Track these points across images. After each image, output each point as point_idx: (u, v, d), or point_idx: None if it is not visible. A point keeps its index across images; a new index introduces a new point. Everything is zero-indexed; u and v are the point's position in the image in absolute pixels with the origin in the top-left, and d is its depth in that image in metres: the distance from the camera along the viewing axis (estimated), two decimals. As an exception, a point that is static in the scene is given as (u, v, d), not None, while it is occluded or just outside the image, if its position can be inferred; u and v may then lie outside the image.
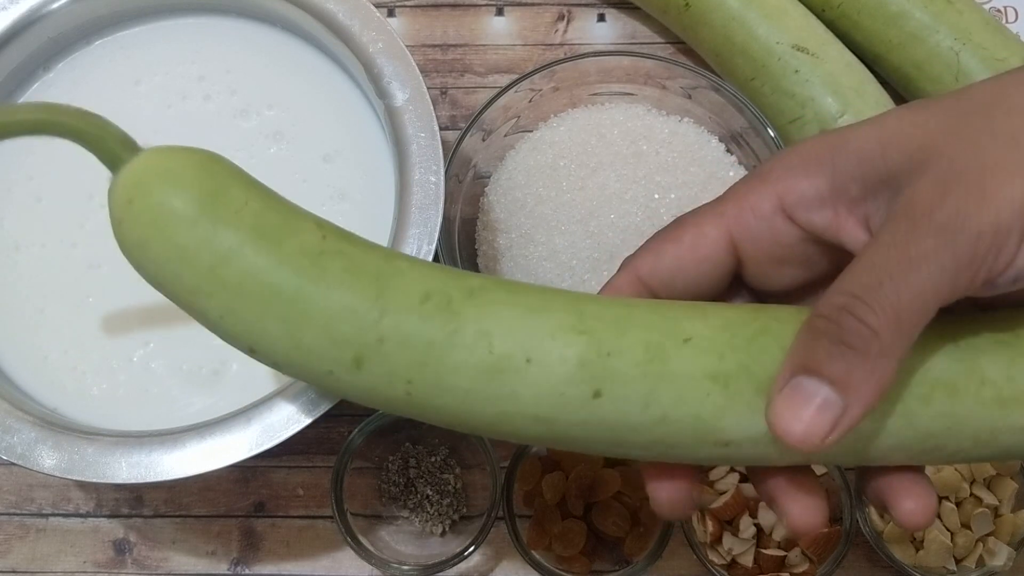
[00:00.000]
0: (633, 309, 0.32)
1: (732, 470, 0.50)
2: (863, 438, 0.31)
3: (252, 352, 0.33)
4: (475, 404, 0.31)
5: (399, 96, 0.45)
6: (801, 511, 0.32)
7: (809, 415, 0.28)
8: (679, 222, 0.34)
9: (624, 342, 0.30)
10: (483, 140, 0.53)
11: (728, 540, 0.49)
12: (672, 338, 0.31)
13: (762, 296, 0.35)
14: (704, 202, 0.35)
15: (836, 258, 0.32)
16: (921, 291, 0.27)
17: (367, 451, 0.51)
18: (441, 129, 0.45)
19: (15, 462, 0.41)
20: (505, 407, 0.31)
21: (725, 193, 0.33)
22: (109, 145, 0.33)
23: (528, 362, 0.30)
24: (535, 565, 0.48)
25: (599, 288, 0.47)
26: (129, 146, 0.33)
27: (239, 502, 0.53)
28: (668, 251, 0.33)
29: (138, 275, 0.46)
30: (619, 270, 0.34)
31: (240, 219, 0.32)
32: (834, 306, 0.28)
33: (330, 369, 0.32)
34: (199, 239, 0.32)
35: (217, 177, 0.33)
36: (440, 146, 0.45)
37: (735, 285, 0.34)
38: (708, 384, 0.30)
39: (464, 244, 0.53)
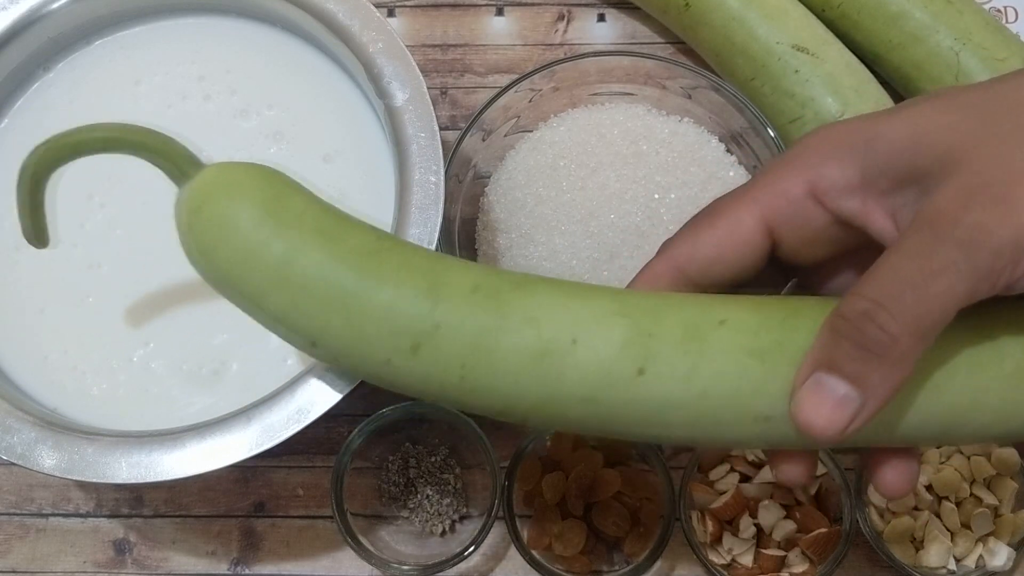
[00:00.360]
0: (668, 298, 0.33)
1: (732, 470, 0.50)
2: (891, 413, 0.32)
3: (313, 346, 0.35)
4: (525, 386, 0.33)
5: (399, 96, 0.45)
6: (789, 467, 0.34)
7: (829, 409, 0.30)
8: (713, 208, 0.35)
9: (664, 324, 0.32)
10: (483, 140, 0.53)
11: (728, 540, 0.49)
12: (708, 320, 0.32)
13: (793, 270, 0.36)
14: (704, 202, 0.35)
15: (865, 238, 0.33)
16: (941, 301, 0.29)
17: (367, 451, 0.51)
18: (441, 129, 0.45)
19: (15, 462, 0.42)
20: (553, 388, 0.32)
21: (756, 178, 0.34)
22: (176, 161, 0.36)
23: (574, 343, 0.32)
24: (535, 565, 0.48)
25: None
26: (194, 162, 0.36)
27: (239, 502, 0.53)
28: (705, 238, 0.34)
29: (138, 275, 0.47)
30: (656, 256, 0.35)
31: (301, 222, 0.34)
32: (857, 311, 0.29)
33: (389, 358, 0.34)
34: (263, 241, 0.34)
35: (276, 187, 0.35)
36: (440, 146, 0.45)
37: (767, 262, 0.35)
38: (745, 359, 0.31)
39: (464, 244, 0.53)
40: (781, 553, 0.48)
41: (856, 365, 0.29)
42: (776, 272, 0.36)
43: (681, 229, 0.35)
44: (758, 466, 0.50)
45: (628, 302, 0.33)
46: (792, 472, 0.34)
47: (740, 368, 0.31)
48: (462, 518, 0.52)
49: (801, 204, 0.32)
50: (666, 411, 0.32)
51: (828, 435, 0.30)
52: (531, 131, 0.55)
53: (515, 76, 0.53)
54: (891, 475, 0.34)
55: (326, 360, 0.36)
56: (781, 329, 0.32)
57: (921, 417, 0.32)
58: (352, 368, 0.36)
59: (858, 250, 0.33)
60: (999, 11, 0.59)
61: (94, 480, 0.41)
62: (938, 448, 0.50)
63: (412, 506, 0.51)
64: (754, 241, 0.33)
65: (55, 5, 0.48)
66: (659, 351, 0.32)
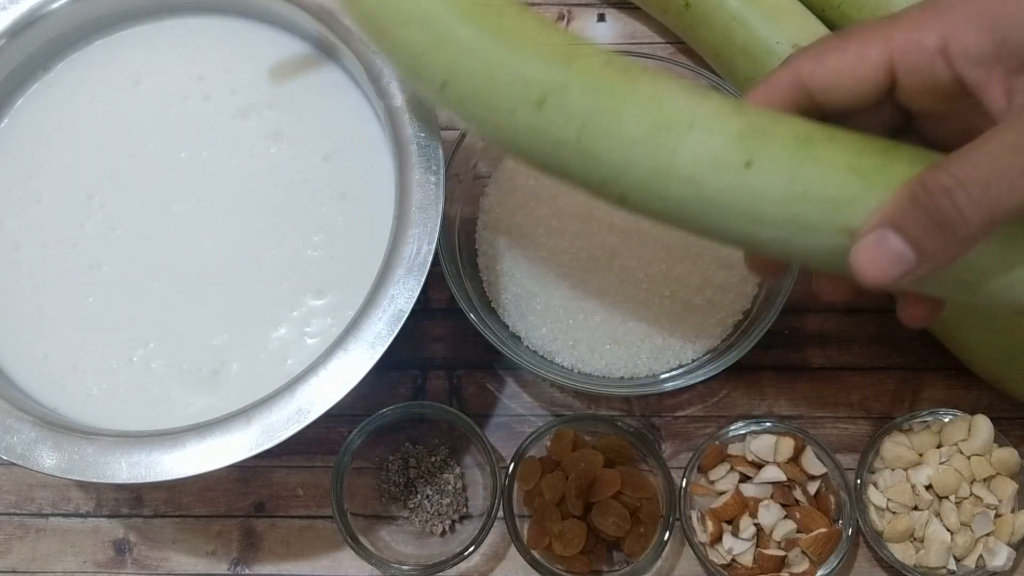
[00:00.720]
0: (784, 114, 0.35)
1: (732, 470, 0.50)
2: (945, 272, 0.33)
3: (442, 88, 0.37)
4: (637, 156, 0.34)
5: (399, 96, 0.45)
6: (832, 288, 0.38)
7: (884, 262, 0.32)
8: (847, 33, 0.35)
9: (778, 128, 0.34)
10: (483, 140, 0.53)
11: (728, 540, 0.49)
12: (819, 132, 0.34)
13: (904, 115, 0.37)
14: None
15: (979, 104, 0.33)
16: (1022, 198, 0.30)
17: (367, 451, 0.51)
18: (441, 129, 0.45)
19: (15, 462, 0.42)
20: (663, 163, 0.34)
21: (895, 16, 0.35)
22: None
23: (691, 126, 0.34)
24: (535, 565, 0.48)
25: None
26: None
27: (239, 502, 0.53)
28: (831, 60, 0.35)
29: (138, 275, 0.47)
30: (780, 66, 0.36)
31: None
32: (939, 184, 0.31)
33: (514, 107, 0.36)
34: None
35: None
36: (440, 146, 0.45)
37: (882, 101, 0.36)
38: (847, 174, 0.33)
39: (464, 244, 0.53)
40: (781, 553, 0.48)
41: (921, 232, 0.31)
42: (887, 113, 0.37)
43: (810, 46, 0.36)
44: (758, 466, 0.50)
45: (746, 107, 0.35)
46: (833, 293, 0.37)
47: (842, 179, 0.33)
48: (462, 518, 0.52)
49: (929, 57, 0.33)
50: (763, 206, 0.33)
51: (876, 283, 0.32)
52: (531, 131, 0.55)
53: (515, 76, 0.53)
54: (916, 309, 0.36)
55: (449, 106, 0.38)
56: (883, 156, 0.33)
57: (969, 285, 0.33)
58: (474, 116, 0.37)
59: (969, 112, 0.34)
60: (999, 11, 0.59)
61: (94, 480, 0.41)
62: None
63: (412, 506, 0.51)
64: (875, 77, 0.34)
65: (55, 5, 0.48)
66: (769, 149, 0.33)
